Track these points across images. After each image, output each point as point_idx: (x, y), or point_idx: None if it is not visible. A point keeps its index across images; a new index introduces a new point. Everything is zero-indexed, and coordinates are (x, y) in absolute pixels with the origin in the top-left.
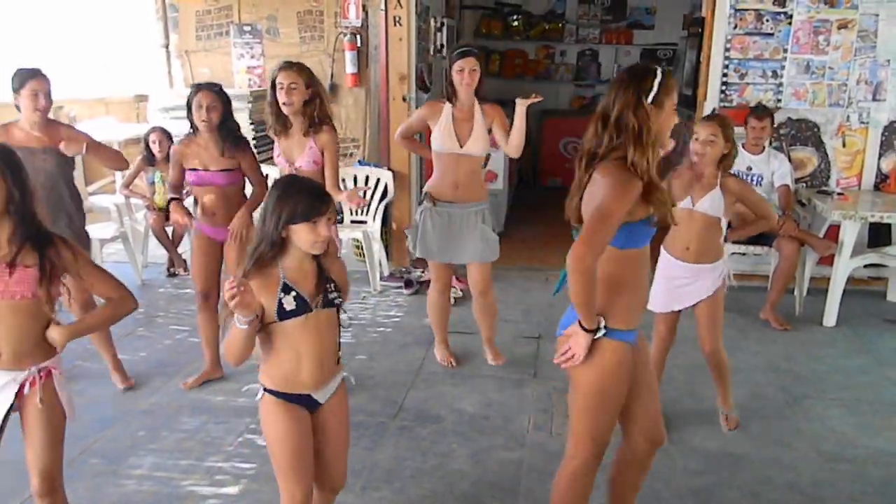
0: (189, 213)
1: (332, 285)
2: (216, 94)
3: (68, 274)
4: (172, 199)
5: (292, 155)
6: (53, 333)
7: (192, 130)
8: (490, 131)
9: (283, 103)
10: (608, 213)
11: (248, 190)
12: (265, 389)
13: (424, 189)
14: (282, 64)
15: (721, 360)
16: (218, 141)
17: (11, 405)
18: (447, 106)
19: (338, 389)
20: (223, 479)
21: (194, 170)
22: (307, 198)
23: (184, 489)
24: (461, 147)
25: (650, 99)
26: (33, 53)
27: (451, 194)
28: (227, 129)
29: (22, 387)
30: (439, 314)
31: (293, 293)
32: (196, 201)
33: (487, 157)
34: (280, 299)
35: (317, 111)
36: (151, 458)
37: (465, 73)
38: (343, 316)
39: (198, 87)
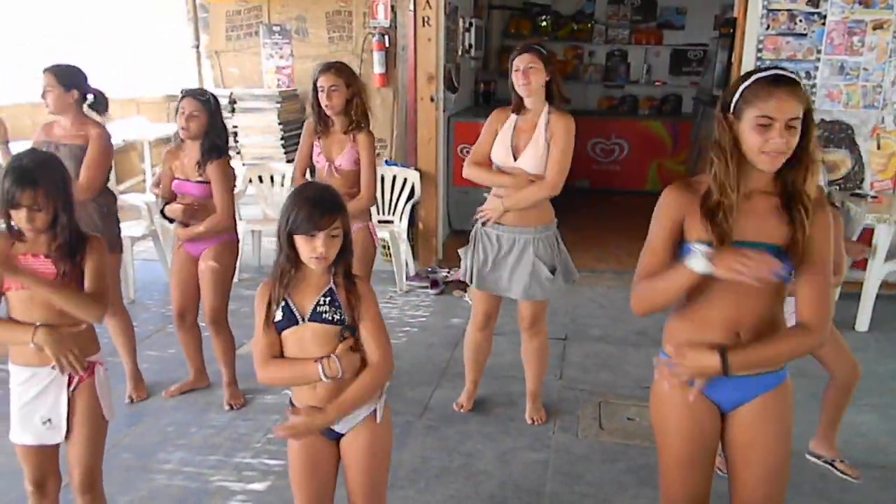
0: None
1: (329, 300)
2: (201, 101)
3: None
4: (164, 207)
5: (332, 154)
6: (43, 333)
7: (176, 138)
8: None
9: (325, 106)
10: (649, 235)
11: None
12: (291, 402)
13: (479, 208)
14: (321, 66)
15: (850, 386)
16: (197, 152)
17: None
18: (513, 115)
19: (364, 420)
20: (251, 476)
21: (177, 178)
22: (308, 209)
23: (212, 485)
24: (514, 160)
25: (731, 108)
26: (67, 53)
27: (508, 214)
28: (208, 141)
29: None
30: (474, 354)
31: (283, 303)
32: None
33: None
34: (272, 307)
35: (358, 109)
36: (180, 454)
37: (520, 73)
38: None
39: (184, 93)
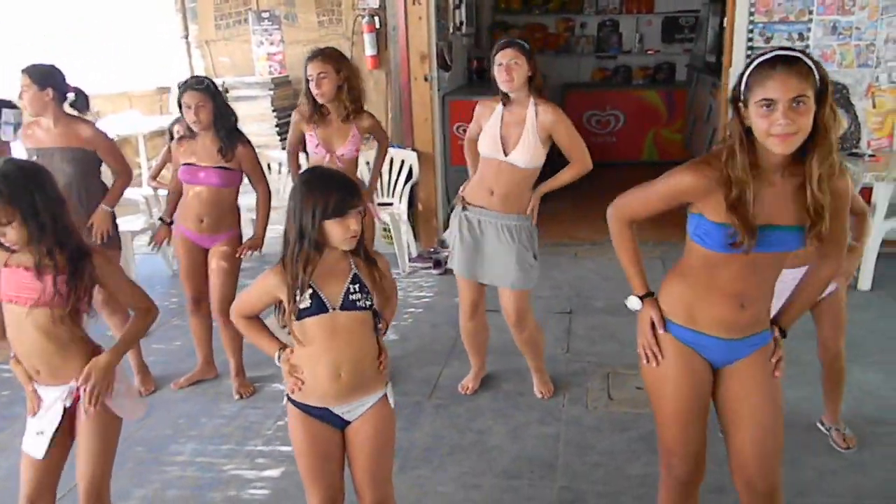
0: (169, 239)
1: (358, 286)
2: (201, 91)
3: (100, 285)
4: (163, 221)
5: (332, 143)
6: (98, 364)
7: (188, 131)
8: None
9: (316, 94)
10: (653, 181)
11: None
12: (287, 396)
13: (459, 190)
14: (309, 54)
15: (841, 368)
16: (215, 139)
17: (63, 418)
18: (499, 105)
19: (373, 407)
20: (264, 463)
21: (188, 164)
22: (338, 192)
23: (226, 473)
24: (505, 155)
25: (741, 97)
26: (54, 49)
27: (485, 199)
28: (223, 126)
29: (66, 403)
30: (471, 340)
31: (310, 290)
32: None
33: None
34: (296, 295)
35: (351, 95)
36: (192, 445)
37: (503, 69)
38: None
39: (183, 87)
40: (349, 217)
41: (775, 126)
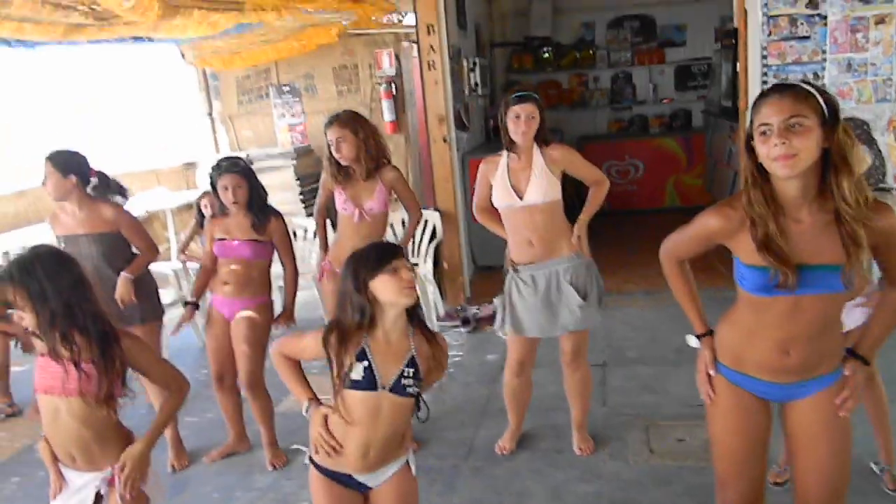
0: (192, 318)
1: (413, 371)
2: (238, 173)
3: (131, 367)
4: (188, 303)
5: (360, 200)
6: (133, 453)
7: (221, 209)
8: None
9: (338, 157)
10: (688, 224)
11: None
12: (310, 459)
13: (506, 255)
14: (328, 119)
15: (879, 399)
16: (248, 214)
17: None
18: (503, 157)
19: (396, 475)
20: None
21: (221, 239)
22: (375, 251)
23: None
24: (521, 199)
25: (749, 130)
26: (82, 129)
27: (528, 253)
28: (255, 203)
29: (100, 490)
30: (513, 399)
31: (365, 363)
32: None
33: None
34: (350, 363)
35: (372, 152)
36: None
37: (521, 122)
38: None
39: (218, 170)
40: (399, 268)
41: (773, 149)
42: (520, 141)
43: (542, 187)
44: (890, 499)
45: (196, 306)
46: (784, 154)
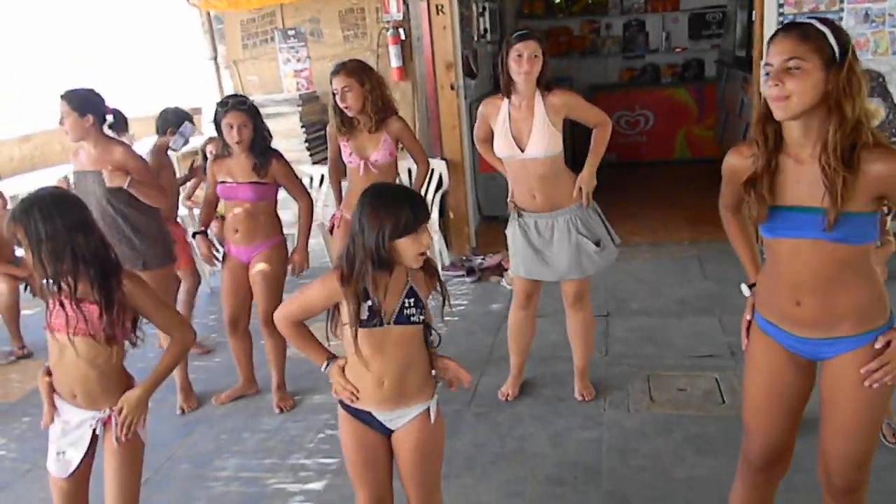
0: (214, 246)
1: (414, 300)
2: (244, 111)
3: (138, 312)
4: (196, 233)
5: (366, 151)
6: (131, 397)
7: (224, 149)
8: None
9: (343, 107)
10: None
11: (284, 211)
12: (339, 400)
13: (508, 197)
14: (333, 68)
15: None
16: (250, 156)
17: (91, 444)
18: (504, 102)
19: (415, 419)
20: (308, 476)
21: (223, 182)
22: (409, 208)
23: (270, 488)
24: (522, 151)
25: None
26: (91, 77)
27: (531, 204)
28: (258, 144)
29: (96, 429)
30: (516, 335)
31: (369, 302)
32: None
33: None
34: (357, 306)
35: (378, 104)
36: (236, 460)
37: (523, 60)
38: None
39: (224, 107)
40: (422, 232)
41: (769, 90)
42: (521, 82)
43: (544, 140)
44: (892, 452)
45: (204, 234)
46: (776, 96)
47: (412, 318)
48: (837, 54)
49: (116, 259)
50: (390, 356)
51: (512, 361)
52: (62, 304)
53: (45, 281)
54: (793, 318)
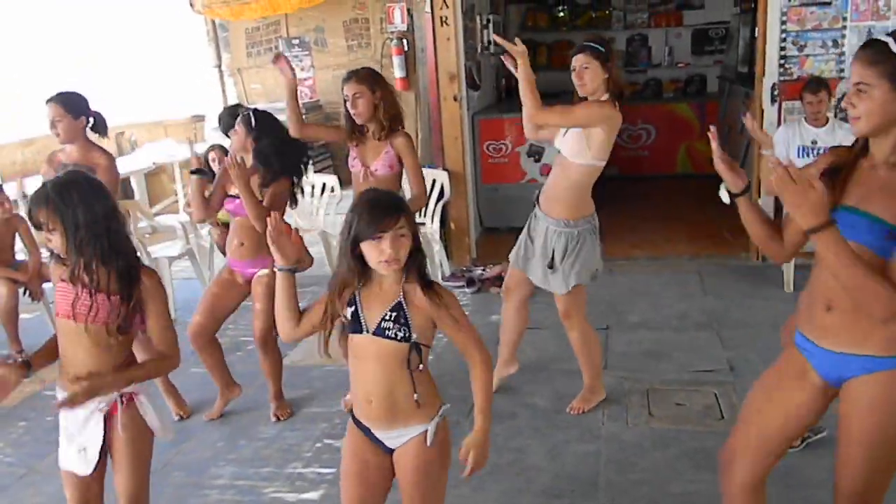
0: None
1: (395, 315)
2: (241, 119)
3: (142, 306)
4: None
5: (367, 159)
6: (96, 379)
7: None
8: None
9: (353, 114)
10: None
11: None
12: (350, 409)
13: None
14: (345, 75)
15: None
16: (255, 170)
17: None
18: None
19: (412, 441)
20: (304, 485)
21: (233, 197)
22: (369, 212)
23: (266, 496)
24: (560, 149)
25: None
26: (93, 81)
27: (542, 198)
28: (262, 157)
29: (104, 413)
30: (508, 328)
31: (353, 308)
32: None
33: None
34: (342, 308)
35: (387, 114)
36: (231, 468)
37: (575, 73)
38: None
39: (230, 120)
40: (383, 240)
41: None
42: (580, 92)
43: (571, 142)
44: None
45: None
46: (850, 116)
47: (388, 333)
48: None
49: (136, 253)
50: (370, 372)
51: (502, 351)
52: (91, 293)
53: (72, 264)
54: (819, 324)
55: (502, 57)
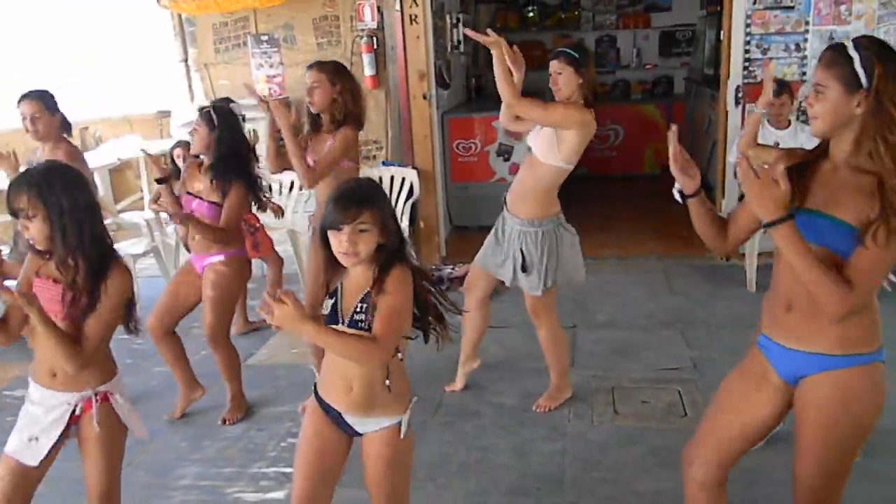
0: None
1: (365, 306)
2: (202, 116)
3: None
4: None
5: (313, 150)
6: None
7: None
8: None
9: (309, 102)
10: None
11: None
12: (315, 385)
13: None
14: (309, 64)
15: None
16: (209, 172)
17: (67, 427)
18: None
19: (385, 430)
20: (268, 485)
21: (190, 193)
22: (335, 202)
23: (229, 497)
24: (530, 147)
25: None
26: (57, 76)
27: (509, 198)
28: (216, 158)
29: (76, 409)
30: (469, 325)
31: (334, 300)
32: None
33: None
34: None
35: (342, 108)
36: (196, 468)
37: (552, 78)
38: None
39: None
40: (341, 232)
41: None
42: (556, 96)
43: (542, 141)
44: None
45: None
46: (810, 116)
47: (360, 324)
48: (864, 80)
49: (112, 245)
50: (343, 360)
51: (463, 351)
52: (56, 284)
53: (56, 253)
54: (779, 322)
55: (466, 31)
